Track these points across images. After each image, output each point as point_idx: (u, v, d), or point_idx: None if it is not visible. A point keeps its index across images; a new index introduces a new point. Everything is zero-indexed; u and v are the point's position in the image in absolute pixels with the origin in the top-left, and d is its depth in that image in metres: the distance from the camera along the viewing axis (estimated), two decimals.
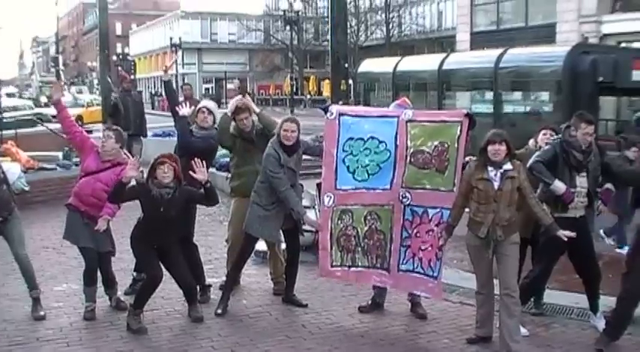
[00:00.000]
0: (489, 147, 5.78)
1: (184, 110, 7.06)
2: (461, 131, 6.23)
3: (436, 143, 6.32)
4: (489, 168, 5.83)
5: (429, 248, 6.40)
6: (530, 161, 6.23)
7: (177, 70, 56.58)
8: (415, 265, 6.51)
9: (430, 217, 6.38)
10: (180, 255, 6.51)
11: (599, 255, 6.67)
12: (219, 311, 6.73)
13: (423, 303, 6.89)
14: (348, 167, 6.52)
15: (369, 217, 6.60)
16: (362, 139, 6.49)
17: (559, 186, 6.15)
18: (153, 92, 68.62)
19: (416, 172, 6.39)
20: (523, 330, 6.13)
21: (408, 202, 6.47)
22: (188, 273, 6.57)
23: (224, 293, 6.92)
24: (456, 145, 6.24)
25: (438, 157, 6.30)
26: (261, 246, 7.85)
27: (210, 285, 7.26)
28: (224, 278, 7.28)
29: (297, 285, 7.20)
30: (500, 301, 5.89)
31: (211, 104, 7.38)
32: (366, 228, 6.62)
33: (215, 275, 7.73)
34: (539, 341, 6.21)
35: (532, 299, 6.74)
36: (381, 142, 6.47)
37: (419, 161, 6.36)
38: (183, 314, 6.65)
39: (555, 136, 6.52)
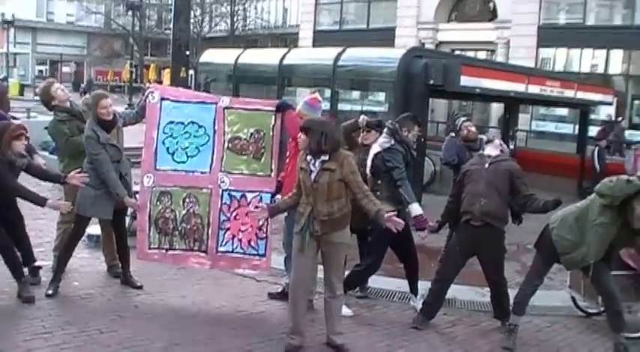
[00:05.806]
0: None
1: None
2: (275, 120, 6.62)
3: (252, 130, 6.66)
4: (308, 158, 5.51)
5: (249, 229, 6.69)
6: (395, 173, 6.39)
7: (7, 49, 53.66)
8: (234, 246, 6.76)
9: (249, 201, 6.66)
10: None
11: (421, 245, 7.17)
12: (50, 291, 6.62)
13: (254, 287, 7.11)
14: (167, 148, 6.68)
15: (187, 200, 6.74)
16: (182, 123, 6.69)
17: (416, 208, 6.46)
18: None
19: (233, 157, 6.67)
20: (348, 311, 6.49)
21: (226, 187, 6.69)
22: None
23: (55, 274, 6.83)
24: (271, 133, 6.64)
25: (254, 144, 6.66)
26: (93, 229, 7.84)
27: (40, 267, 7.12)
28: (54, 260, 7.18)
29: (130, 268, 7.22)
30: (324, 300, 5.79)
31: None
32: (184, 212, 6.74)
33: (45, 257, 7.56)
34: (362, 320, 6.62)
35: None
36: (200, 127, 6.70)
37: (236, 147, 6.67)
38: (12, 296, 6.49)
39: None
